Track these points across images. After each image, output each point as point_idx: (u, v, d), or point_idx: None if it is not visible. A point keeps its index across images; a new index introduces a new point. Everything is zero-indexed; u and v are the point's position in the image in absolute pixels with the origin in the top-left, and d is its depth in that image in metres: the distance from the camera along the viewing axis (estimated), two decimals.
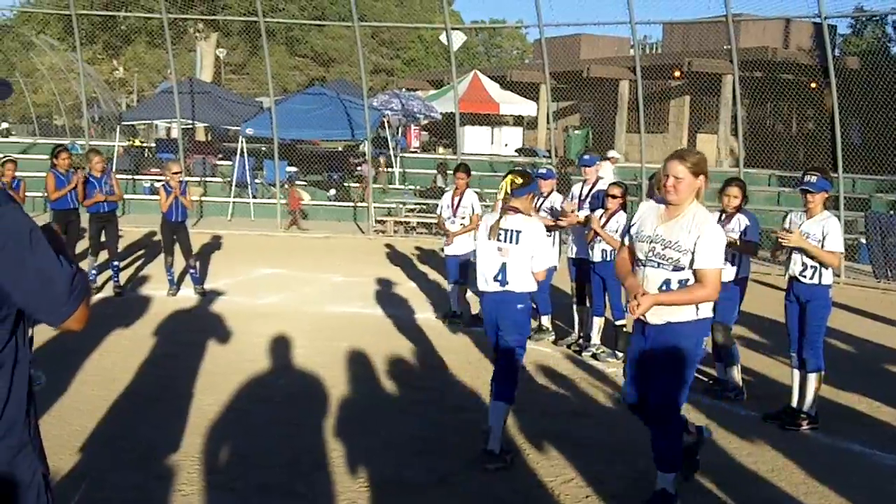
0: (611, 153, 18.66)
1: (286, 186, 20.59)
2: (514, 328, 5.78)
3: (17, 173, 12.02)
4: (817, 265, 6.51)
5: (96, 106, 31.45)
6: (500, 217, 5.82)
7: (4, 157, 12.65)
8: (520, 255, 5.69)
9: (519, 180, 5.81)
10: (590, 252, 8.78)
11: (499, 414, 5.71)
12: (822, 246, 6.40)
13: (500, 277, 5.74)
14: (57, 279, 2.35)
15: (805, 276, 6.58)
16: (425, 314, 10.80)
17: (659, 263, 4.76)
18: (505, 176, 5.94)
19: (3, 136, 32.67)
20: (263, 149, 22.92)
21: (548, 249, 5.94)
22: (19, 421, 2.43)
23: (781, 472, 5.73)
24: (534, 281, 5.80)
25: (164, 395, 6.98)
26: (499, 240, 5.75)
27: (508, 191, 5.80)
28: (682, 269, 4.71)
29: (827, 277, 6.57)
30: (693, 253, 4.66)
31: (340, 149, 27.58)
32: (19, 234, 2.28)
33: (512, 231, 5.73)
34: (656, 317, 4.78)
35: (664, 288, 4.74)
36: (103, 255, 11.48)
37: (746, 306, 8.12)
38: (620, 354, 8.48)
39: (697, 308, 4.77)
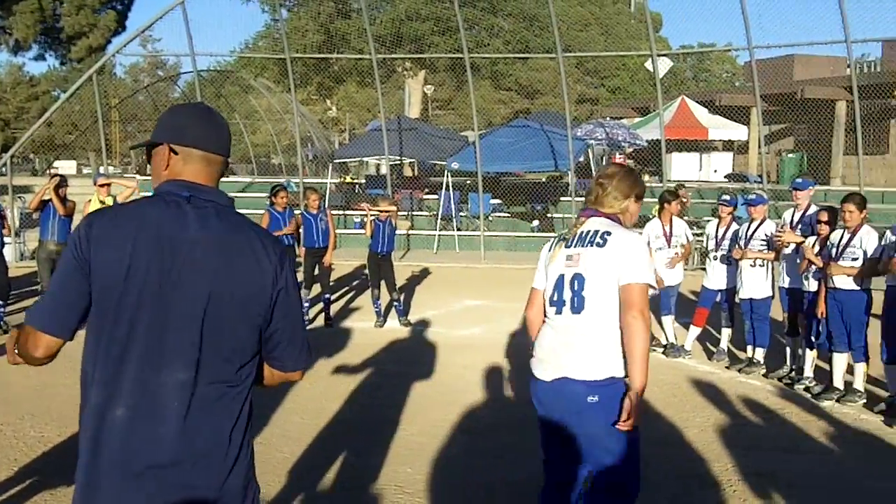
0: None
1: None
2: None
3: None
4: None
5: (310, 145, 32.86)
6: None
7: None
8: None
9: None
10: (803, 281, 8.42)
11: None
12: None
13: None
14: (304, 332, 2.60)
15: None
16: None
17: None
18: None
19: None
20: (468, 182, 23.27)
21: None
22: (249, 442, 2.54)
23: None
24: None
25: (370, 424, 7.14)
26: None
27: None
28: None
29: None
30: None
31: (544, 180, 27.65)
32: (295, 279, 2.51)
33: None
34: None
35: None
36: (315, 289, 11.94)
37: None
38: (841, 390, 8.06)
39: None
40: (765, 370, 9.08)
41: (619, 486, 3.77)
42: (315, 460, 6.18)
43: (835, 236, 7.94)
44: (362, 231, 13.15)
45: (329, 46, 32.56)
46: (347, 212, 23.65)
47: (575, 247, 3.83)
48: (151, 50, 47.57)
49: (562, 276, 3.82)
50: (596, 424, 3.67)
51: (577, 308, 3.74)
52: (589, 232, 3.81)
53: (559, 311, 3.82)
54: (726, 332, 9.86)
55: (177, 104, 2.80)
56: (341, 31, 33.56)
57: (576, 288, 3.75)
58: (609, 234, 3.75)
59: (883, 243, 7.63)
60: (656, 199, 11.22)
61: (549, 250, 4.00)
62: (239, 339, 2.43)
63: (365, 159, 30.34)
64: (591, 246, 3.75)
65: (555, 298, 3.84)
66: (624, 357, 3.66)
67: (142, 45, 45.06)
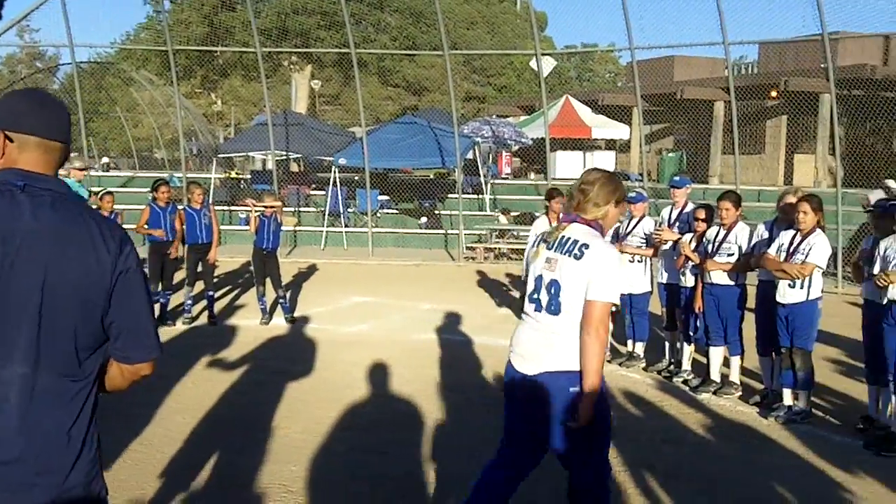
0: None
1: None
2: None
3: (117, 206, 12.36)
4: None
5: (194, 139, 32.19)
6: None
7: (103, 190, 13.04)
8: None
9: None
10: (681, 277, 8.65)
11: None
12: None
13: None
14: (150, 319, 2.52)
15: None
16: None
17: None
18: None
19: (104, 169, 33.73)
20: (356, 178, 23.16)
21: None
22: (95, 437, 2.47)
23: (883, 500, 5.50)
24: None
25: (253, 422, 7.05)
26: None
27: None
28: None
29: None
30: None
31: (432, 177, 27.75)
32: (138, 266, 2.44)
33: None
34: None
35: None
36: (199, 286, 11.72)
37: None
38: (719, 385, 8.29)
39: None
40: (644, 363, 9.31)
41: (598, 468, 4.06)
42: (197, 460, 6.06)
43: (711, 233, 8.18)
44: (247, 227, 12.96)
45: (213, 39, 31.99)
46: (232, 207, 23.25)
47: (555, 251, 4.02)
48: (29, 40, 45.89)
49: (541, 277, 4.04)
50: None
51: (555, 311, 3.97)
52: (569, 240, 3.99)
53: (538, 310, 4.05)
54: None
55: (13, 90, 2.70)
56: (225, 24, 33.05)
57: (552, 292, 3.97)
58: (587, 246, 3.92)
59: (755, 239, 7.90)
60: (544, 198, 11.39)
61: (533, 248, 4.22)
62: (78, 331, 2.35)
63: (250, 154, 29.89)
64: (570, 256, 3.94)
65: (535, 297, 4.08)
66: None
67: (19, 35, 43.46)
